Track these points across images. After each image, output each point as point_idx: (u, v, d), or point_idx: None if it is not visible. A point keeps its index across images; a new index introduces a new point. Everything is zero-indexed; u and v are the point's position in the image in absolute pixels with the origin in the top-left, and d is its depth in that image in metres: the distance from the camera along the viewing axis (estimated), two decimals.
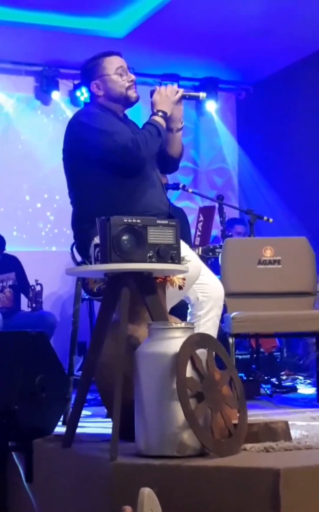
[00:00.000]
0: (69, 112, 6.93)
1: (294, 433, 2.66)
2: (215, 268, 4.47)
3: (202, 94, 3.46)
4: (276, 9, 6.05)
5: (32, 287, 5.43)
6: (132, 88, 3.35)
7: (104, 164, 3.17)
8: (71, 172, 3.28)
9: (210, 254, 5.00)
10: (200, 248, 5.03)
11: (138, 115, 3.84)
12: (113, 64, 3.35)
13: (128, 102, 3.37)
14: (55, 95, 7.05)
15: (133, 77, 3.37)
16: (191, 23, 6.25)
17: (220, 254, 4.72)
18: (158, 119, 3.28)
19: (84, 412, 3.71)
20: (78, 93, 7.00)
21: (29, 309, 5.48)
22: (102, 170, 3.18)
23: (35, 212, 7.01)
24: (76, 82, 7.03)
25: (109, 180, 3.18)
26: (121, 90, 3.33)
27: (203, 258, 4.56)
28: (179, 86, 3.41)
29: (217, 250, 4.95)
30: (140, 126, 3.33)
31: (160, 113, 3.29)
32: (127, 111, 3.43)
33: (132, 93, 3.35)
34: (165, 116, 3.30)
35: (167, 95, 3.32)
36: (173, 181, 5.58)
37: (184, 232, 5.06)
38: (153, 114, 3.30)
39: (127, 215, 2.68)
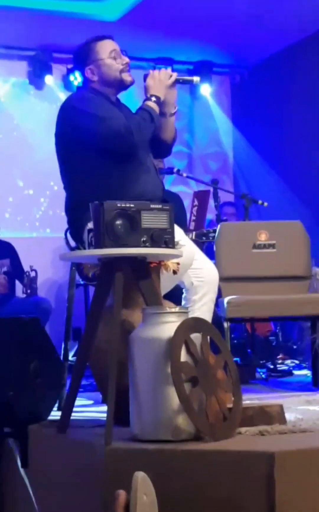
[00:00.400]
0: (63, 97, 6.87)
1: (289, 417, 2.67)
2: (210, 252, 4.46)
3: (196, 78, 3.44)
4: None
5: (27, 273, 5.43)
6: (126, 71, 3.33)
7: (97, 149, 3.16)
8: (63, 156, 3.27)
9: (204, 238, 4.99)
10: (194, 233, 5.03)
11: (131, 98, 3.81)
12: (106, 48, 3.33)
13: (122, 86, 3.35)
14: (49, 79, 7.01)
15: (127, 59, 3.35)
16: (184, 6, 6.21)
17: (214, 239, 4.71)
18: (151, 104, 3.26)
19: (85, 402, 3.73)
20: (71, 78, 6.96)
21: (24, 295, 5.47)
22: (95, 155, 3.16)
23: (28, 197, 6.97)
24: (69, 66, 6.98)
25: (102, 165, 3.17)
26: (116, 74, 3.31)
27: (197, 242, 4.55)
28: (173, 70, 3.39)
29: (210, 234, 4.94)
30: (133, 110, 3.31)
31: (153, 98, 3.27)
32: (120, 95, 3.41)
33: (126, 76, 3.32)
34: (158, 101, 3.28)
35: (161, 80, 3.30)
36: (167, 165, 5.56)
37: (180, 218, 5.05)
38: (147, 99, 3.28)
39: (121, 200, 2.67)
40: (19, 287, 5.67)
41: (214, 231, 4.87)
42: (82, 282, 4.47)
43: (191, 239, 4.77)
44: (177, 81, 3.35)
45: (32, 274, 5.41)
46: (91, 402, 3.85)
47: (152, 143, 3.32)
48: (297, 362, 5.60)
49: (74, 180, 3.23)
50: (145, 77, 3.32)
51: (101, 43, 3.35)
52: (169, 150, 3.52)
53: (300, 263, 4.62)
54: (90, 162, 3.17)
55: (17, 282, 5.75)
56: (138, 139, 3.16)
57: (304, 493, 2.17)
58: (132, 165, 3.20)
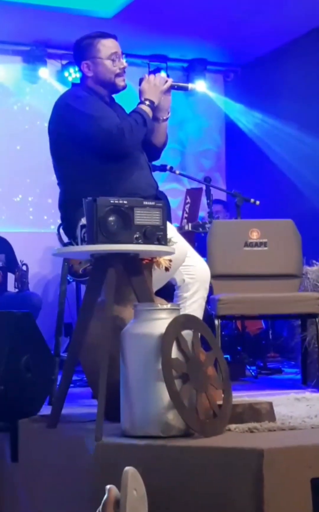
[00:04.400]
0: (57, 93, 6.84)
1: (278, 414, 2.68)
2: (202, 249, 4.47)
3: (191, 85, 3.50)
4: None
5: (18, 268, 5.43)
6: (121, 75, 3.34)
7: (89, 147, 3.16)
8: (57, 153, 3.27)
9: (200, 229, 5.00)
10: (190, 224, 5.05)
11: (127, 98, 3.80)
12: (108, 48, 3.32)
13: (114, 89, 3.35)
14: (43, 75, 6.99)
15: (125, 64, 3.35)
16: (180, 4, 6.21)
17: (207, 236, 4.73)
18: (145, 108, 3.27)
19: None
20: (66, 73, 6.96)
21: (16, 290, 5.48)
22: (88, 153, 3.17)
23: (20, 193, 6.96)
24: (64, 62, 6.98)
25: (95, 162, 3.18)
26: (110, 76, 3.31)
27: (191, 235, 4.55)
28: (167, 68, 3.40)
29: (207, 225, 4.95)
30: (128, 111, 3.32)
31: (147, 102, 3.29)
32: (117, 95, 3.41)
33: (120, 81, 3.33)
34: (152, 105, 3.29)
35: (156, 84, 3.31)
36: (160, 163, 5.56)
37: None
38: (141, 102, 3.29)
39: (114, 197, 2.68)
40: (10, 283, 5.67)
41: (210, 222, 4.89)
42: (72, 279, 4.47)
43: (188, 230, 4.80)
44: (172, 87, 3.37)
45: (23, 268, 5.41)
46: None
47: (143, 146, 3.33)
48: (287, 360, 5.62)
49: (67, 176, 3.24)
50: (141, 81, 3.33)
51: (105, 41, 3.33)
52: (158, 154, 3.54)
53: (292, 262, 4.64)
54: (83, 159, 3.18)
55: (9, 276, 5.75)
56: (129, 141, 3.17)
57: (292, 490, 2.19)
58: (125, 162, 3.21)
